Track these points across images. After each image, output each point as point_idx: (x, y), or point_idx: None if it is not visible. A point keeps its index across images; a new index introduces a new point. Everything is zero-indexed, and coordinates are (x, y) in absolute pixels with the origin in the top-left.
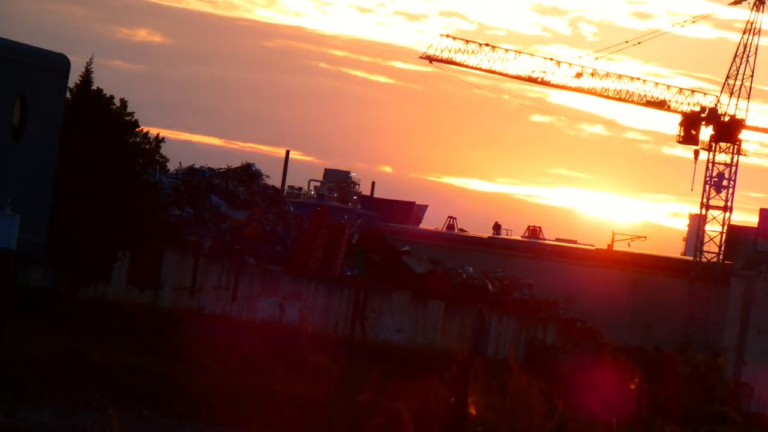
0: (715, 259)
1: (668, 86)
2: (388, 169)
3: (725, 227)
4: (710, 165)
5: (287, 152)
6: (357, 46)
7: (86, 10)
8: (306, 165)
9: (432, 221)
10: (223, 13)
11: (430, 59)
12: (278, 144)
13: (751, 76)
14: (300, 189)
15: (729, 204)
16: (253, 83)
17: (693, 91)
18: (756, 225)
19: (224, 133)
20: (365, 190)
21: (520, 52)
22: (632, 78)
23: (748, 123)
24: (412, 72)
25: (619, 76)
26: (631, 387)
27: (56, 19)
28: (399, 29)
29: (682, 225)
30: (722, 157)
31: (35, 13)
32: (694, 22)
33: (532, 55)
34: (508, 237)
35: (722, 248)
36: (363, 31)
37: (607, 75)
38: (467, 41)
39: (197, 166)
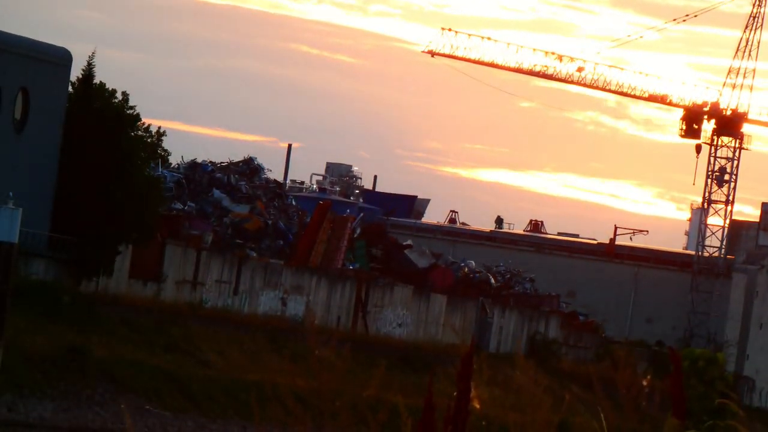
0: (717, 254)
1: (670, 80)
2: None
3: (727, 221)
4: (712, 159)
5: (289, 146)
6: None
7: (85, 1)
8: (308, 159)
9: (434, 215)
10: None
11: (433, 53)
12: (281, 137)
13: (754, 69)
14: (302, 183)
15: (731, 198)
16: (254, 75)
17: (695, 85)
18: (758, 219)
19: (227, 126)
20: (367, 183)
21: (522, 46)
22: (634, 71)
23: (750, 116)
24: (406, 62)
25: (621, 70)
26: (644, 383)
27: (56, 9)
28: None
29: (684, 219)
30: (724, 151)
31: (35, 5)
32: (696, 15)
33: (534, 49)
34: (511, 231)
35: (724, 242)
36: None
37: (610, 68)
38: (469, 35)
39: (199, 160)
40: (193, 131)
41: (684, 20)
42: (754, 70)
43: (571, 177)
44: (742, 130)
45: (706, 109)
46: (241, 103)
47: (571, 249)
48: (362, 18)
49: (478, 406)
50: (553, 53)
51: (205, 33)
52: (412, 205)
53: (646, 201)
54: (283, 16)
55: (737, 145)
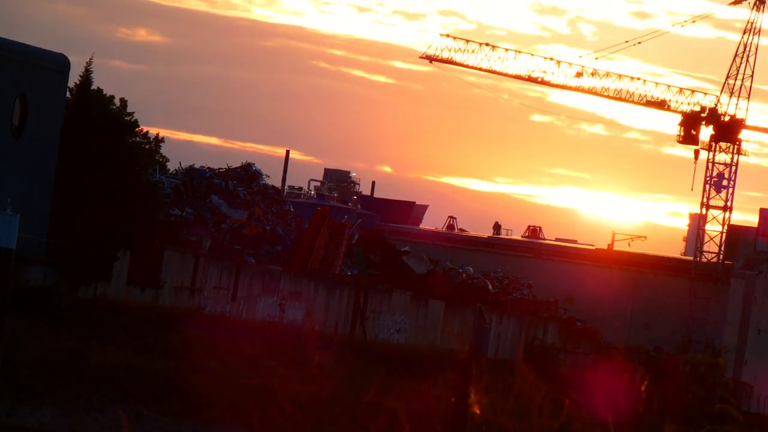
0: (715, 259)
1: (668, 86)
2: (387, 169)
3: (725, 227)
4: (710, 165)
5: (287, 152)
6: (356, 46)
7: (86, 10)
8: (306, 165)
9: (432, 221)
10: (222, 12)
11: (430, 59)
12: (278, 144)
13: (751, 75)
14: (300, 189)
15: (729, 204)
16: (253, 83)
17: (693, 91)
18: (756, 225)
19: (224, 133)
20: (365, 190)
21: (519, 52)
22: (632, 78)
23: (748, 123)
24: (411, 71)
25: (620, 76)
26: (641, 389)
27: (56, 18)
28: (398, 28)
29: (683, 225)
30: (722, 157)
31: (35, 13)
32: (694, 21)
33: (532, 54)
34: (509, 237)
35: (722, 248)
36: (362, 31)
37: (608, 75)
38: (467, 41)
39: (197, 166)
40: (192, 140)
41: (682, 26)
42: (752, 77)
43: (568, 183)
44: (739, 136)
45: (704, 115)
46: (240, 111)
47: (569, 255)
48: (360, 25)
49: (477, 412)
50: (551, 59)
51: (206, 42)
52: (410, 211)
53: (645, 207)
54: (283, 26)
55: (735, 151)
